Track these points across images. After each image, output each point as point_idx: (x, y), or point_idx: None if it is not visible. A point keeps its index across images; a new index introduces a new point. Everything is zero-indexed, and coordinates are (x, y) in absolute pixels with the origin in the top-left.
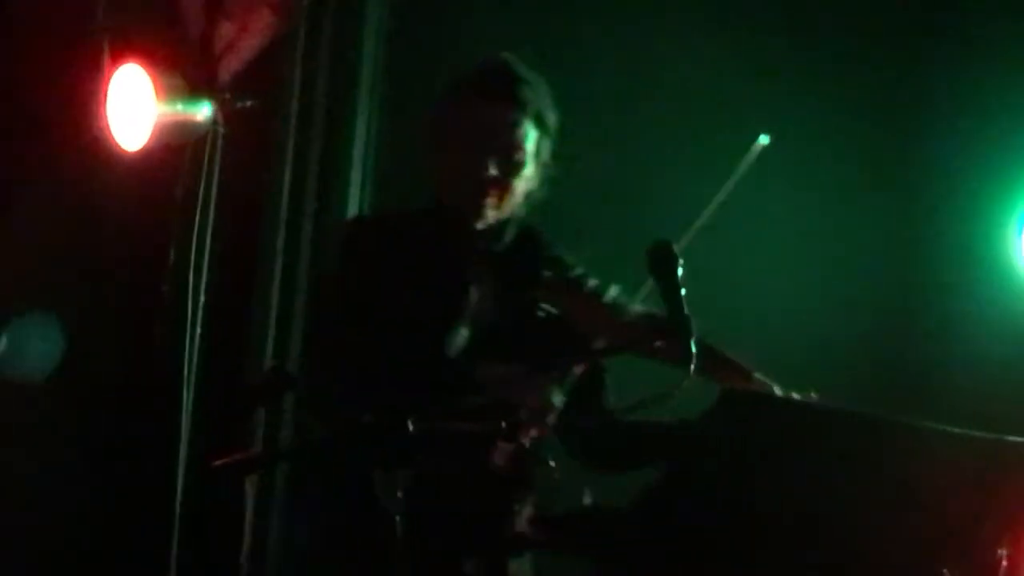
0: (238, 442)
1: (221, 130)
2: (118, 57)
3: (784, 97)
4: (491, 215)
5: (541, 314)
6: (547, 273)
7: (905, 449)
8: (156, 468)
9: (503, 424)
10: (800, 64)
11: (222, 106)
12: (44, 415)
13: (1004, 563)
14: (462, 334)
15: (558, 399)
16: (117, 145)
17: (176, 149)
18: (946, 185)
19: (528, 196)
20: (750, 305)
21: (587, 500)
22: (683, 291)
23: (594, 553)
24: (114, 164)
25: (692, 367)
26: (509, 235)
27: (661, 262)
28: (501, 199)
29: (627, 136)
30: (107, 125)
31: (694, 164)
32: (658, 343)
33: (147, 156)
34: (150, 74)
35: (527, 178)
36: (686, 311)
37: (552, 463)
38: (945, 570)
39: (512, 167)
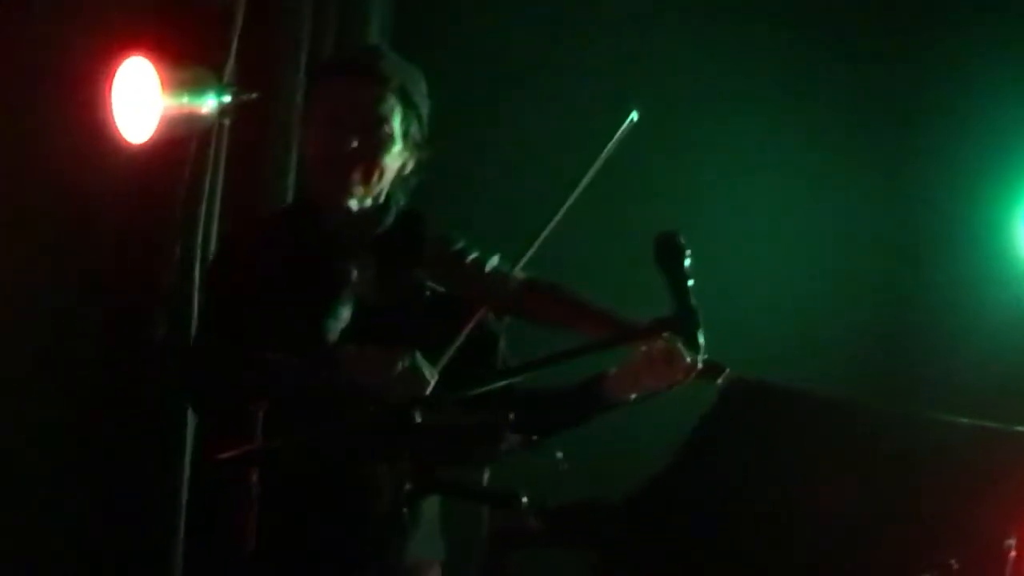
0: (242, 435)
1: (227, 123)
2: (123, 50)
3: (779, 86)
4: (359, 191)
5: (427, 293)
6: (429, 251)
7: (910, 439)
8: (161, 463)
9: (510, 415)
10: (796, 52)
11: (228, 99)
12: (45, 410)
13: (1012, 553)
14: (342, 317)
15: (429, 373)
16: (122, 138)
17: (181, 142)
18: (948, 173)
19: (404, 180)
20: (748, 296)
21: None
22: (690, 282)
23: (596, 546)
24: (119, 157)
25: (700, 359)
26: (389, 219)
27: (667, 253)
28: (368, 175)
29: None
30: (112, 118)
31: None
32: (664, 335)
33: (152, 149)
34: (155, 67)
35: (396, 155)
36: (693, 302)
37: (559, 454)
38: (952, 560)
39: (376, 142)
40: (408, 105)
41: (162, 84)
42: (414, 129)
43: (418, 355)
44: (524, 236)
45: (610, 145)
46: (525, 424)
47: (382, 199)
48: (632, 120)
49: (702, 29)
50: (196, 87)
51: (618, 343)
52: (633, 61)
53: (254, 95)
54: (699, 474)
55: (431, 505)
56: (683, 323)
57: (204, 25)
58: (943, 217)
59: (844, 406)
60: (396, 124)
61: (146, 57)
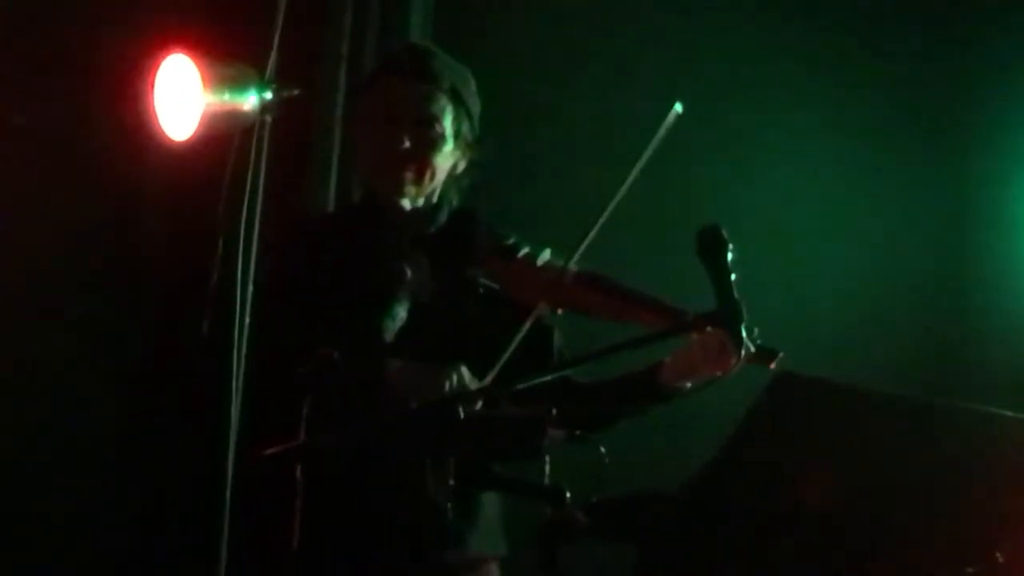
0: (287, 431)
1: (269, 119)
2: (165, 47)
3: (826, 78)
4: (412, 190)
5: (480, 290)
6: (481, 248)
7: (960, 433)
8: (205, 458)
9: (553, 410)
10: (843, 43)
11: (269, 95)
12: (90, 406)
13: None
14: (398, 316)
15: (473, 384)
16: (164, 135)
17: (224, 139)
18: (996, 166)
19: (456, 180)
20: (793, 290)
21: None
22: (733, 276)
23: (641, 540)
24: (161, 154)
25: (743, 353)
26: (442, 217)
27: (710, 246)
28: (420, 174)
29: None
30: (154, 115)
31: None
32: (708, 329)
33: (195, 146)
34: (197, 64)
35: (447, 155)
36: (736, 296)
37: (602, 449)
38: (998, 554)
39: (429, 141)
40: (459, 104)
41: (204, 81)
42: (465, 128)
43: (464, 370)
44: (571, 229)
45: (655, 139)
46: (578, 418)
47: (435, 199)
48: (676, 112)
49: (747, 20)
50: (238, 84)
51: (660, 338)
52: (677, 53)
53: (296, 91)
54: (745, 468)
55: (491, 501)
56: (726, 317)
57: (246, 21)
58: (991, 210)
59: (892, 400)
60: (447, 123)
61: (188, 54)
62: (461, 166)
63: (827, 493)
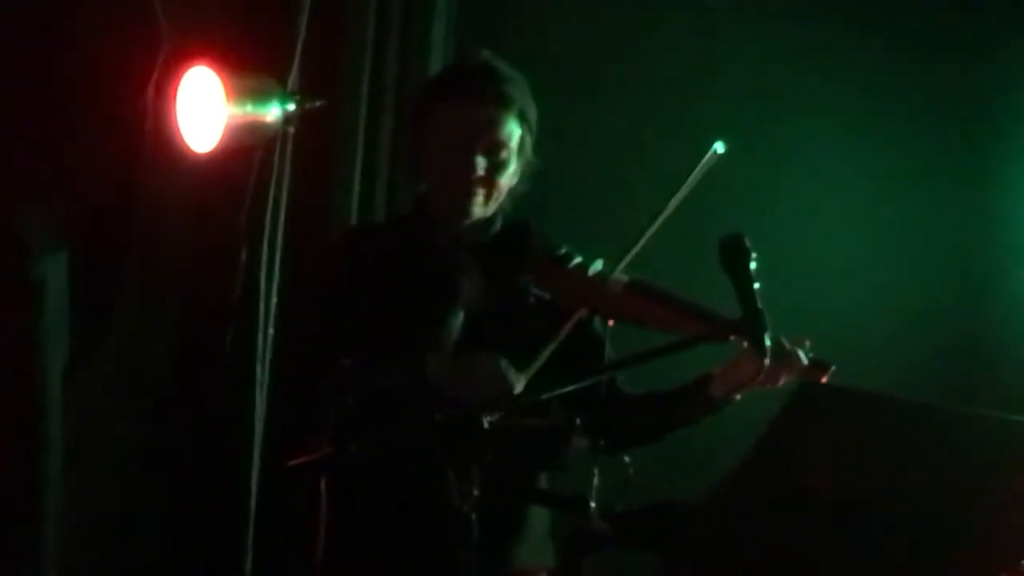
0: (310, 442)
1: (291, 131)
2: (187, 59)
3: (854, 88)
4: (479, 212)
5: (532, 299)
6: (533, 258)
7: (986, 441)
8: (229, 470)
9: (577, 420)
10: (871, 53)
11: (292, 107)
12: (113, 418)
13: None
14: (453, 328)
15: (514, 376)
16: (187, 147)
17: (246, 150)
18: (1020, 166)
19: (511, 192)
20: (819, 300)
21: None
22: (756, 285)
23: (664, 550)
24: (184, 166)
25: (766, 362)
26: (496, 228)
27: (733, 255)
28: (488, 197)
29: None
30: (177, 127)
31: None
32: (732, 338)
33: (217, 158)
34: (220, 76)
35: (512, 175)
36: (760, 305)
37: (627, 459)
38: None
39: (499, 164)
40: (525, 123)
41: (226, 93)
42: (528, 144)
43: (503, 359)
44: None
45: (693, 176)
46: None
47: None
48: (715, 152)
49: (773, 30)
50: (260, 95)
51: (685, 347)
52: (701, 61)
53: (319, 102)
54: (769, 478)
55: (539, 513)
56: (749, 326)
57: (268, 33)
58: (1017, 216)
59: (917, 409)
60: (514, 145)
61: (210, 66)
62: (518, 179)
63: (851, 503)
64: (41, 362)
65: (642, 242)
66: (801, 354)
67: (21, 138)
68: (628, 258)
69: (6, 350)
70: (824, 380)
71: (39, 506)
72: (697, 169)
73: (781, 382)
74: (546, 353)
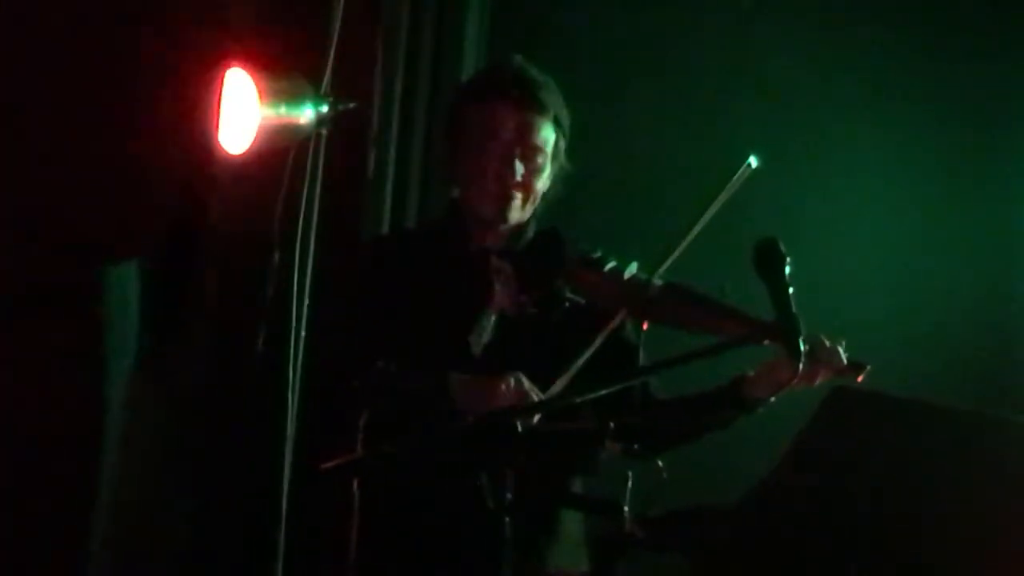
0: (343, 444)
1: (324, 133)
2: (222, 61)
3: (880, 90)
4: (516, 216)
5: (567, 304)
6: (567, 263)
7: (1017, 446)
8: (261, 471)
9: (611, 424)
10: (897, 54)
11: (325, 108)
12: (146, 419)
13: None
14: (486, 331)
15: (535, 395)
16: (222, 149)
17: (280, 153)
18: None
19: (544, 196)
20: (848, 300)
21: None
22: (791, 289)
23: (697, 555)
24: (218, 168)
25: (800, 366)
26: (530, 233)
27: (768, 260)
28: (525, 200)
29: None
30: (212, 129)
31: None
32: (766, 342)
33: (251, 160)
34: (254, 78)
35: (547, 179)
36: (794, 310)
37: (660, 463)
38: None
39: (536, 169)
40: (559, 128)
41: (260, 94)
42: (561, 149)
43: (524, 378)
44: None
45: (726, 189)
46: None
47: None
48: (749, 165)
49: (807, 39)
50: (294, 97)
51: (720, 350)
52: (735, 67)
53: (352, 104)
54: (801, 483)
55: (573, 517)
56: (784, 330)
57: (301, 34)
58: None
59: (948, 413)
60: (550, 150)
61: (244, 67)
62: (551, 183)
63: (882, 506)
64: (106, 366)
65: (677, 252)
66: (842, 352)
67: (90, 145)
68: (665, 265)
69: (72, 354)
70: (860, 380)
71: (91, 509)
72: (730, 184)
73: (817, 382)
74: (584, 357)
